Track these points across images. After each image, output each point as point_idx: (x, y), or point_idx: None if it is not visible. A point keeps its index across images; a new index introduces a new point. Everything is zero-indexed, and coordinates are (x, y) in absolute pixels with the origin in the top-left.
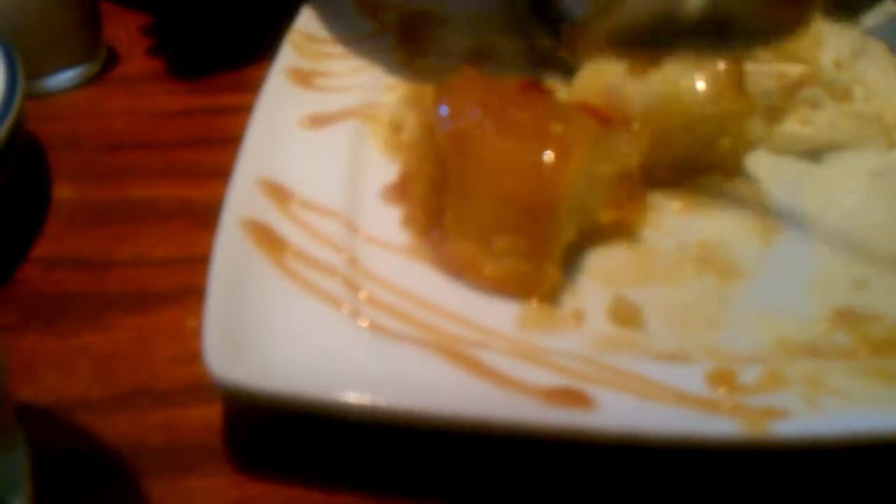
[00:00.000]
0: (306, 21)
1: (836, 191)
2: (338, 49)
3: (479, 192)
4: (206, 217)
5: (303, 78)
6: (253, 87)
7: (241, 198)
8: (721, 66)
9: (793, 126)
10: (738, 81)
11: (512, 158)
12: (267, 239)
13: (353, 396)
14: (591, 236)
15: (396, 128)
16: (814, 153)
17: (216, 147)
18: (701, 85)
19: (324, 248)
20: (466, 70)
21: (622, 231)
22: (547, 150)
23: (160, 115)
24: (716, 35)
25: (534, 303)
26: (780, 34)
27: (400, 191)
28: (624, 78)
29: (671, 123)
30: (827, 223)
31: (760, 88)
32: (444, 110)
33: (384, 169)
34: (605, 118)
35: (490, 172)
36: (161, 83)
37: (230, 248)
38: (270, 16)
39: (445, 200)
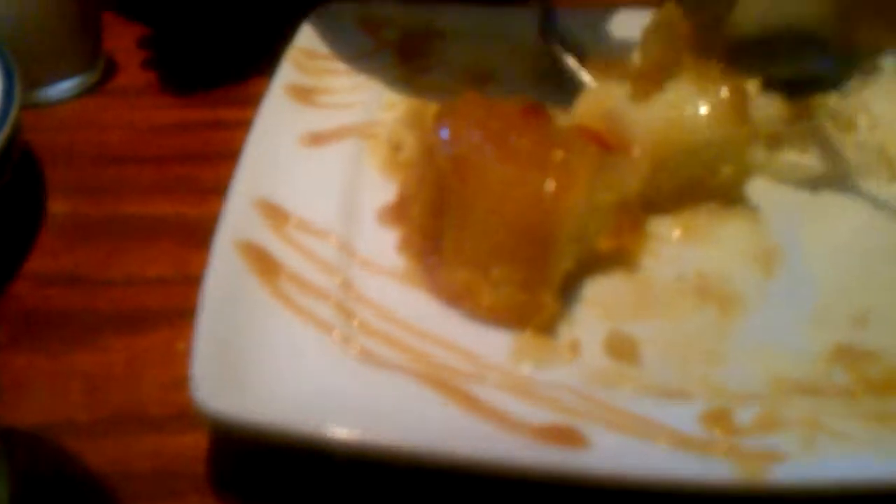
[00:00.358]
0: (306, 37)
1: (837, 222)
2: (338, 66)
3: (478, 218)
4: (201, 235)
5: (302, 94)
6: (252, 102)
7: (236, 218)
8: (723, 92)
9: (794, 155)
10: (740, 108)
11: (512, 185)
12: (261, 261)
13: (341, 432)
14: (590, 264)
15: (396, 147)
16: (815, 182)
17: (213, 163)
18: (703, 111)
19: (318, 272)
20: (468, 94)
21: (621, 259)
22: (548, 177)
23: (157, 128)
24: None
25: (530, 333)
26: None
27: (397, 213)
28: (625, 102)
29: (672, 150)
30: (827, 255)
31: (764, 115)
32: (445, 133)
33: (382, 189)
34: (607, 144)
35: (490, 199)
36: (159, 95)
37: (223, 272)
38: (271, 30)
39: (443, 225)
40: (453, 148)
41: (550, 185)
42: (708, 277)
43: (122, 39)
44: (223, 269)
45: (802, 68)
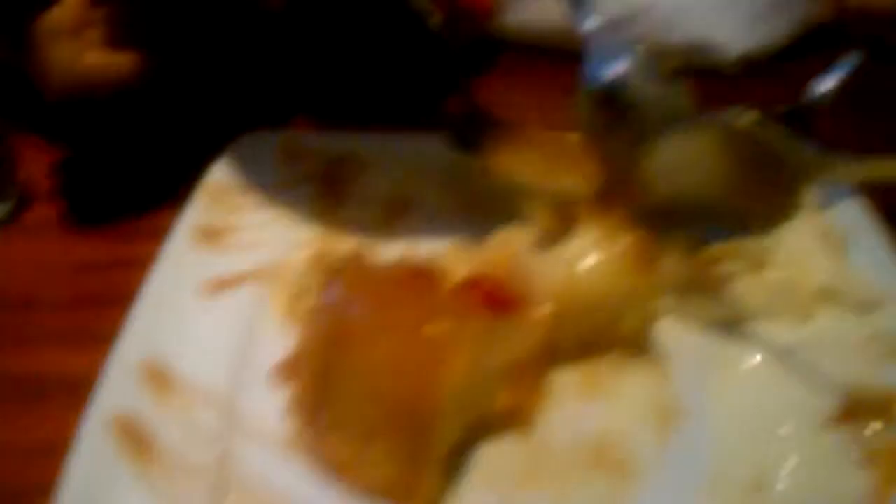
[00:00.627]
0: (222, 170)
1: (742, 375)
2: (252, 200)
3: (358, 389)
4: (87, 395)
5: (209, 235)
6: (162, 237)
7: (114, 385)
8: (625, 243)
9: (706, 297)
10: (644, 259)
11: (391, 359)
12: (133, 437)
13: None
14: (482, 428)
15: (299, 294)
16: (729, 323)
17: (112, 308)
18: (605, 263)
19: (195, 444)
20: (356, 257)
21: (517, 420)
22: (427, 352)
23: (60, 268)
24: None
25: None
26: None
27: (290, 370)
28: (529, 251)
29: (574, 302)
30: (729, 412)
31: (672, 264)
32: (330, 297)
33: (280, 341)
34: (502, 301)
35: (368, 371)
36: (67, 230)
37: (88, 451)
38: (192, 155)
39: (328, 391)
40: (336, 314)
41: (430, 361)
42: (604, 440)
43: (38, 165)
44: (89, 447)
45: (705, 234)
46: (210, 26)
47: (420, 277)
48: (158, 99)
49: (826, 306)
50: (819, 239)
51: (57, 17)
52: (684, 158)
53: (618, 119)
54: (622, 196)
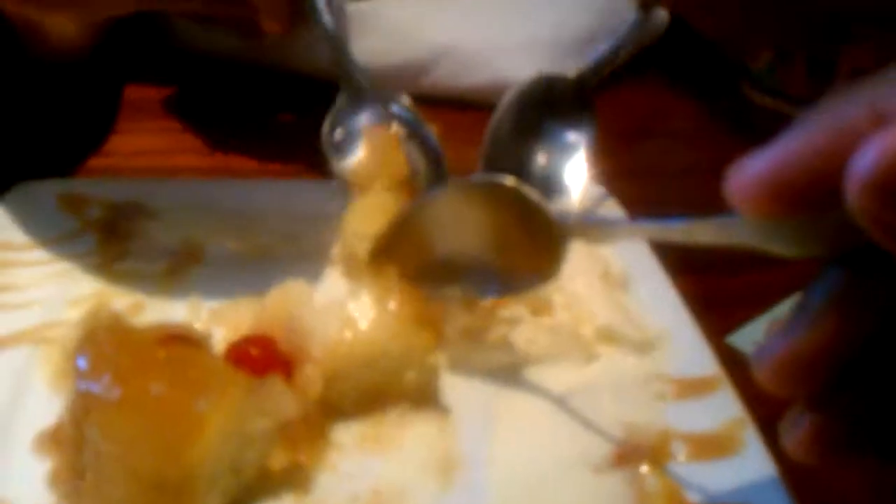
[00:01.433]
0: None
1: (527, 423)
2: (26, 256)
3: (108, 463)
4: None
5: None
6: None
7: None
8: (399, 301)
9: (491, 345)
10: (419, 316)
11: (136, 432)
12: None
13: None
14: (259, 487)
15: (70, 355)
16: (513, 369)
17: None
18: (382, 319)
19: None
20: (109, 321)
21: (295, 476)
22: (174, 423)
23: None
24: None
25: None
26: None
27: (54, 439)
28: (305, 310)
29: (352, 359)
30: (512, 463)
31: (455, 313)
32: (82, 363)
33: (49, 407)
34: (274, 360)
35: (116, 444)
36: None
37: None
38: None
39: (84, 462)
40: (84, 383)
41: (176, 434)
42: (382, 495)
43: None
44: None
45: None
46: None
47: (178, 341)
48: None
49: (607, 347)
50: (600, 279)
51: None
52: (453, 217)
53: None
54: (394, 255)
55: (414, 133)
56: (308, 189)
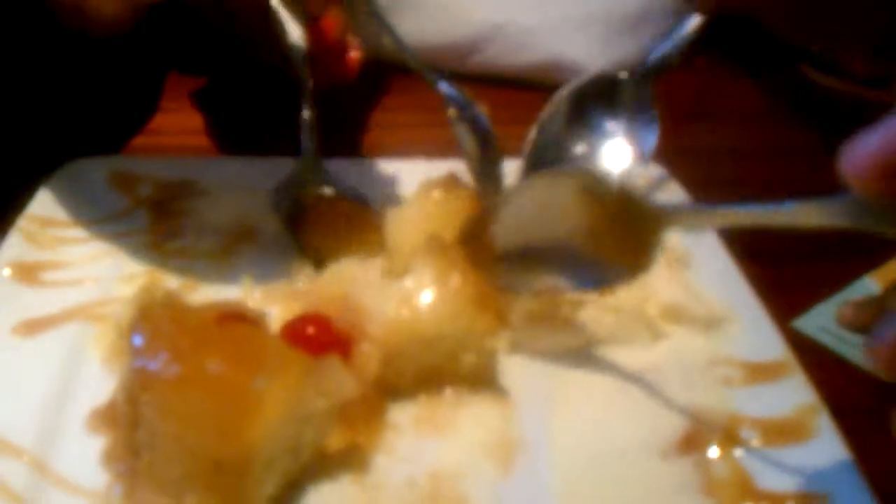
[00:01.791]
0: (44, 201)
1: (588, 410)
2: (78, 233)
3: (166, 441)
4: None
5: (28, 272)
6: None
7: None
8: (460, 281)
9: (556, 327)
10: (481, 298)
11: (195, 411)
12: None
13: None
14: (316, 467)
15: (124, 332)
16: (574, 352)
17: None
18: (441, 300)
19: (2, 499)
20: (168, 297)
21: (352, 458)
22: (234, 402)
23: None
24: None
25: None
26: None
27: (108, 416)
28: (363, 286)
29: (410, 339)
30: (572, 448)
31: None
32: (139, 341)
33: (103, 385)
34: (332, 340)
35: (174, 423)
36: None
37: None
38: (15, 184)
39: (141, 440)
40: (141, 361)
41: (235, 414)
42: (440, 479)
43: None
44: None
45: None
46: (25, 53)
47: (235, 320)
48: None
49: (673, 326)
50: (663, 258)
51: None
52: (545, 206)
53: None
54: (483, 243)
55: (464, 114)
56: (356, 168)
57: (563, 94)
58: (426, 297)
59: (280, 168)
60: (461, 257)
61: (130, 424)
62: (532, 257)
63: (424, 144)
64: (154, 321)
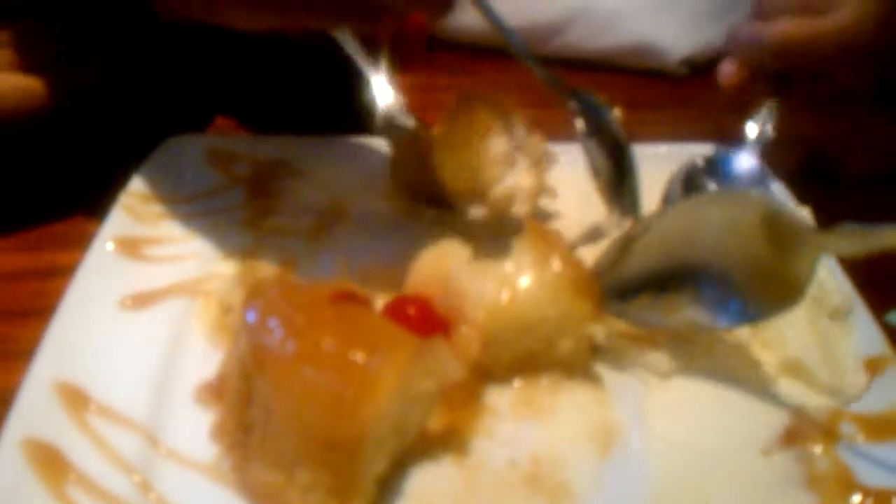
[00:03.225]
0: (145, 178)
1: (684, 398)
2: (177, 209)
3: (280, 417)
4: (5, 413)
5: (132, 246)
6: (89, 244)
7: (29, 408)
8: (560, 266)
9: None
10: (579, 284)
11: (310, 388)
12: (49, 462)
13: None
14: (418, 450)
15: (226, 309)
16: (672, 343)
17: (35, 320)
18: (542, 284)
19: (113, 471)
20: (279, 275)
21: (452, 440)
22: (349, 381)
23: None
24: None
25: None
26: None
27: (216, 390)
28: (462, 269)
29: (509, 323)
30: (669, 436)
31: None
32: (252, 318)
33: (206, 360)
34: (433, 322)
35: (290, 400)
36: None
37: (4, 476)
38: (107, 162)
39: (252, 415)
40: (255, 337)
41: (350, 393)
42: (541, 462)
43: None
44: (4, 471)
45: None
46: (123, 35)
47: (346, 299)
48: (78, 115)
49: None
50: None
51: None
52: (692, 231)
53: None
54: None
55: (593, 127)
56: None
57: (679, 171)
58: (525, 280)
59: (372, 146)
60: (560, 241)
61: (242, 400)
62: (670, 288)
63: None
64: (267, 299)
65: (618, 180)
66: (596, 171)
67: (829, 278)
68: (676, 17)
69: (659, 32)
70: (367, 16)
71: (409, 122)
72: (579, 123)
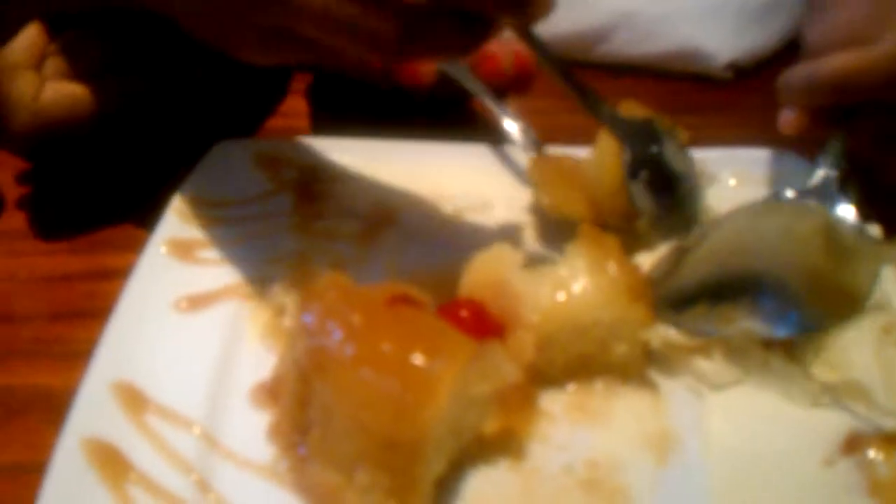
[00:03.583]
0: (196, 182)
1: (741, 408)
2: (227, 213)
3: (339, 418)
4: (63, 412)
5: (184, 249)
6: (140, 247)
7: (89, 407)
8: (615, 270)
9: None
10: (634, 288)
11: (371, 391)
12: (109, 461)
13: None
14: (474, 454)
15: (279, 311)
16: (728, 349)
17: (90, 321)
18: (596, 288)
19: (173, 470)
20: (333, 276)
21: (508, 444)
22: (408, 385)
23: (36, 279)
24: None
25: None
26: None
27: (271, 393)
28: (515, 272)
29: (563, 326)
30: (725, 445)
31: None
32: (309, 320)
33: (261, 362)
34: (488, 325)
35: (349, 402)
36: (41, 240)
37: (66, 474)
38: (159, 167)
39: (310, 416)
40: (314, 340)
41: (410, 396)
42: (598, 468)
43: (7, 172)
44: (66, 469)
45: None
46: (170, 44)
47: (403, 302)
48: (126, 122)
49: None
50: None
51: (15, 50)
52: (751, 239)
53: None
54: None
55: (639, 174)
56: (493, 152)
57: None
58: (580, 284)
59: (418, 149)
60: (616, 246)
61: (300, 402)
62: (726, 298)
63: (564, 131)
64: (324, 301)
65: (666, 219)
66: (639, 213)
67: None
68: (721, 22)
69: (704, 37)
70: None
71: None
72: (623, 161)
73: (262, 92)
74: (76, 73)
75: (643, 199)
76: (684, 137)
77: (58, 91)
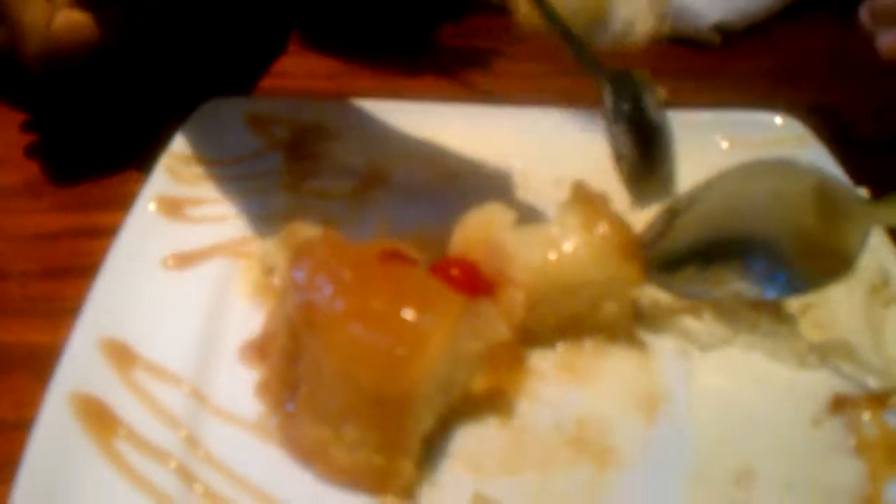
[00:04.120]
0: (185, 139)
1: (728, 363)
2: (217, 171)
3: (328, 374)
4: (52, 369)
5: (173, 207)
6: (129, 204)
7: (77, 362)
8: (605, 229)
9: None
10: (625, 247)
11: (361, 346)
12: (97, 417)
13: None
14: (462, 410)
15: (268, 270)
16: (717, 309)
17: (78, 278)
18: (586, 247)
19: (161, 426)
20: (327, 233)
21: (497, 402)
22: (399, 340)
23: (27, 237)
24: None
25: (388, 499)
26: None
27: (259, 350)
28: (507, 232)
29: (553, 285)
30: (714, 401)
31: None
32: (300, 276)
33: (249, 320)
34: (479, 282)
35: (339, 357)
36: (34, 197)
37: (53, 429)
38: (151, 122)
39: (299, 373)
40: (304, 295)
41: (401, 350)
42: (586, 426)
43: (5, 132)
44: (53, 424)
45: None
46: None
47: (393, 258)
48: (125, 59)
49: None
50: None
51: None
52: (741, 199)
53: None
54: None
55: (621, 112)
56: (489, 114)
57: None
58: (571, 243)
59: (410, 110)
60: (607, 205)
61: (288, 358)
62: (716, 260)
63: (551, 93)
64: (315, 257)
65: (646, 167)
66: (618, 158)
67: (893, 267)
68: None
69: (699, 4)
70: None
71: None
72: (605, 105)
73: (258, 50)
74: (83, 2)
75: (623, 143)
76: (662, 95)
77: (67, 18)
